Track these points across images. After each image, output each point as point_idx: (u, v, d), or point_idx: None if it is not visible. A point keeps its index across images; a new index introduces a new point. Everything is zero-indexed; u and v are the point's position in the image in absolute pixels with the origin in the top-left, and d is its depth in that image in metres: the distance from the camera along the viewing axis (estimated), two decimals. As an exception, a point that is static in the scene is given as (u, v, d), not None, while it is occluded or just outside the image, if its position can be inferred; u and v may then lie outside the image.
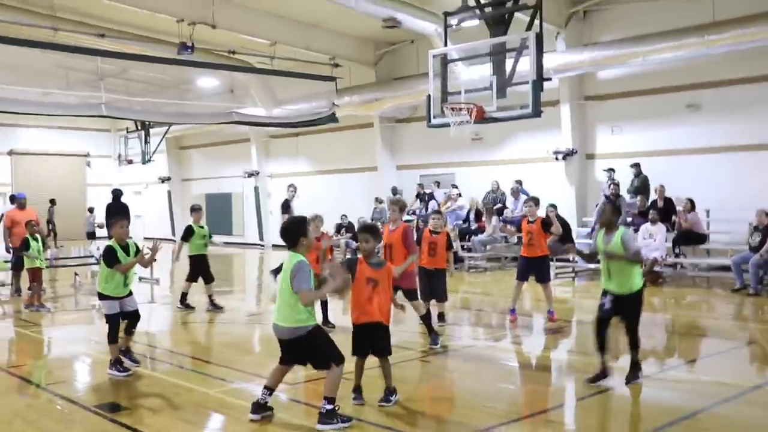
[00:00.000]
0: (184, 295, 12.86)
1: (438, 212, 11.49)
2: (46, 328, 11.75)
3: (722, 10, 16.21)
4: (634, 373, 7.42)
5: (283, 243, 6.26)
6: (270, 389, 6.34)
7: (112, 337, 8.13)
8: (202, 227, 12.96)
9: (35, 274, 13.03)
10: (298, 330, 6.09)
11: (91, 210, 29.19)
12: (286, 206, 18.88)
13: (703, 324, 11.99)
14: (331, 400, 6.04)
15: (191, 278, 12.79)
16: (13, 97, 16.34)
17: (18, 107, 17.05)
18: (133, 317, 8.38)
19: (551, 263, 13.06)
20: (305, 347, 6.15)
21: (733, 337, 10.47)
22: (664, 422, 6.29)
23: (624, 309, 7.37)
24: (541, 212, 12.32)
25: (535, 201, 11.86)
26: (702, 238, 16.32)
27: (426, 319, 9.55)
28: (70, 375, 8.53)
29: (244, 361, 8.86)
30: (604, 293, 7.45)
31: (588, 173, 20.26)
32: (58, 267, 20.16)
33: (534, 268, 11.37)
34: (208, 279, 12.82)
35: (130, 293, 8.35)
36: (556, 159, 20.09)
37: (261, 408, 6.28)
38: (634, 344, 7.41)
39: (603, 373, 7.37)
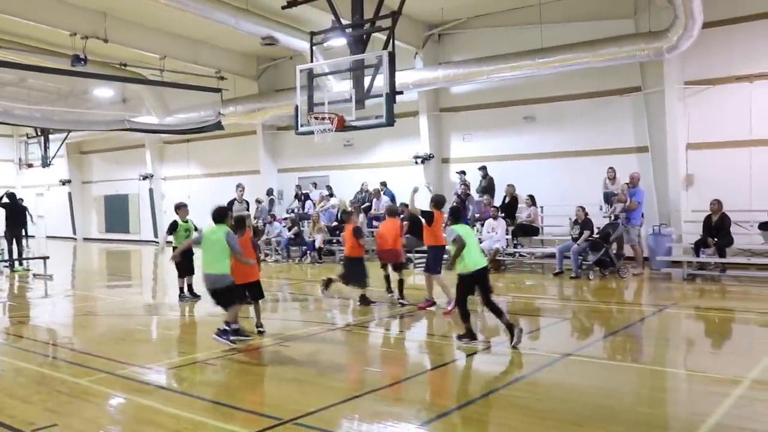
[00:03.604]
0: (181, 289, 12.24)
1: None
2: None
3: (549, 38, 16.71)
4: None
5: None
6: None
7: None
8: (186, 221, 12.29)
9: None
10: None
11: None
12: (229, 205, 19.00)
13: (537, 304, 12.22)
14: None
15: (181, 273, 12.14)
16: None
17: None
18: None
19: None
20: None
21: (557, 315, 10.74)
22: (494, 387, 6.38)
23: None
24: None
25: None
26: (536, 231, 16.80)
27: None
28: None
29: (120, 351, 8.30)
30: None
31: (443, 175, 20.52)
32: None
33: None
34: (190, 271, 12.13)
35: None
36: (416, 163, 20.27)
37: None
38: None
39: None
